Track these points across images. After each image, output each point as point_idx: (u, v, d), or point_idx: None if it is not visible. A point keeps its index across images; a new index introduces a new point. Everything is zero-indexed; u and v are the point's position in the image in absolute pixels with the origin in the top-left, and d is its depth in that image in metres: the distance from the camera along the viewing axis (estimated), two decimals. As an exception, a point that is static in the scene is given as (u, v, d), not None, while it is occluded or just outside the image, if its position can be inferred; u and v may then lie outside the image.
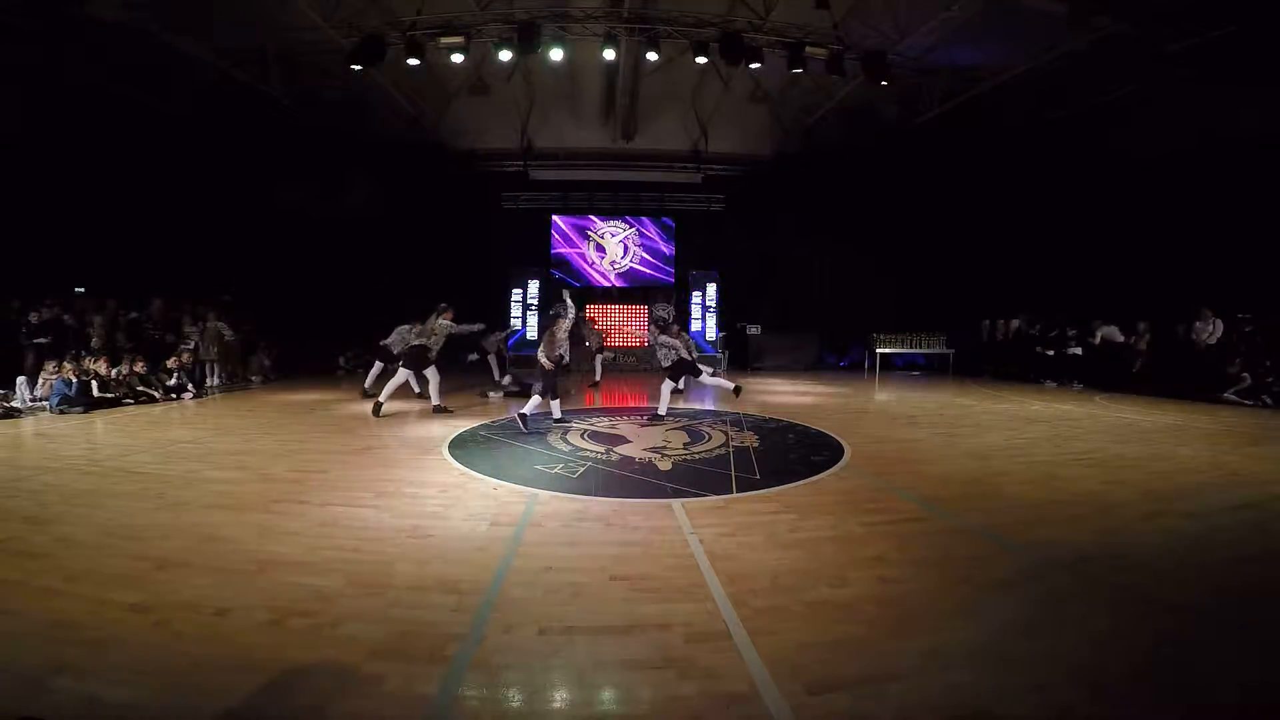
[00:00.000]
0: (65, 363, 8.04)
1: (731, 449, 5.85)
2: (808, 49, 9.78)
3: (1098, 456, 5.57)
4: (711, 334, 15.66)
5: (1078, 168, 12.16)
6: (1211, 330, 9.54)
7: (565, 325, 7.10)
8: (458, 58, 9.70)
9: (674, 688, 2.13)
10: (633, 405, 9.18)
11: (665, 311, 15.61)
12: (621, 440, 6.24)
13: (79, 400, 7.82)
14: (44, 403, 7.91)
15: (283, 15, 9.42)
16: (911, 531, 3.65)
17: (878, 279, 15.31)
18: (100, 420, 7.41)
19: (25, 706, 1.94)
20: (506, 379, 9.40)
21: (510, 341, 14.68)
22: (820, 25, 9.69)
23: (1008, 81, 10.84)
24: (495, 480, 4.75)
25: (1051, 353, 11.52)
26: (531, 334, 15.07)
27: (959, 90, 11.41)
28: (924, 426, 7.26)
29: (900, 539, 3.51)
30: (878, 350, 13.71)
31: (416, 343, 7.93)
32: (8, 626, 2.46)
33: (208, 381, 10.29)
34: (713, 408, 8.50)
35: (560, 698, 2.12)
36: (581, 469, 5.10)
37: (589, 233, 15.82)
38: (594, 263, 15.82)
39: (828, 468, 5.19)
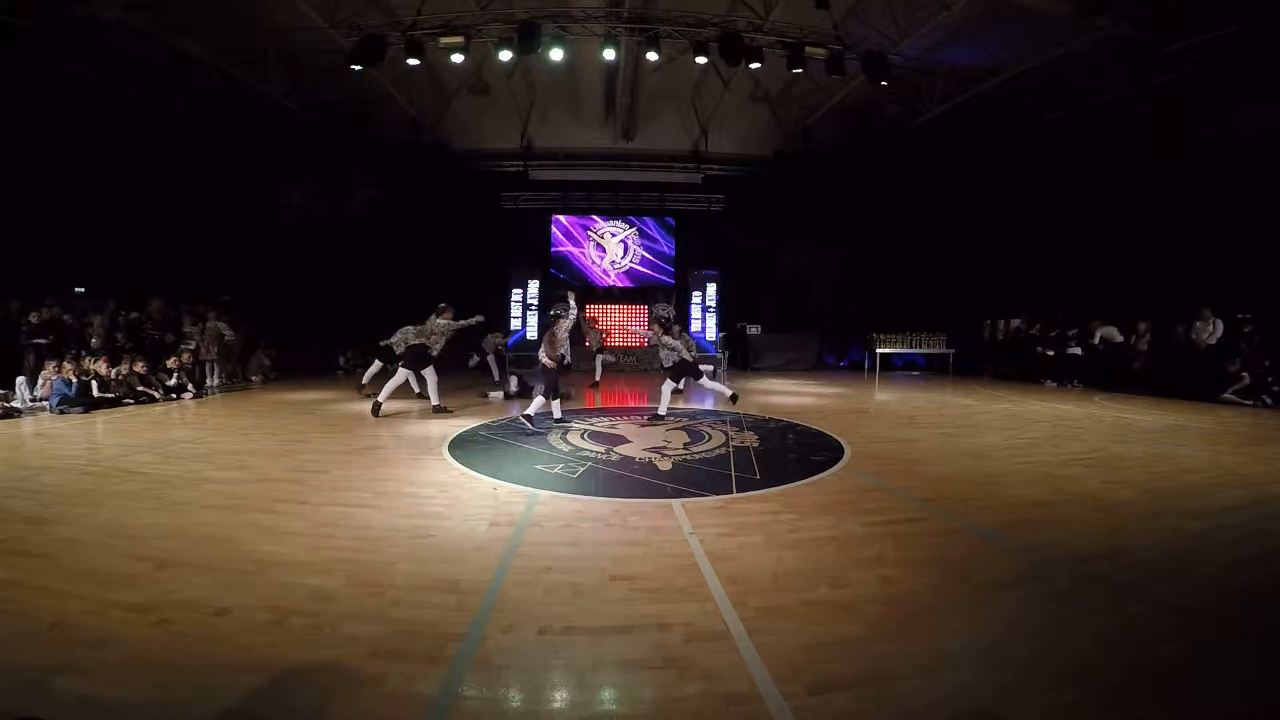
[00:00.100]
0: (65, 363, 8.04)
1: (731, 449, 5.85)
2: (808, 49, 9.78)
3: (1098, 456, 5.57)
4: (711, 334, 15.67)
5: (1077, 168, 12.16)
6: (1211, 330, 9.54)
7: (566, 325, 7.10)
8: (458, 58, 9.70)
9: (674, 688, 2.13)
10: (633, 405, 9.18)
11: (666, 312, 15.67)
12: (621, 440, 6.25)
13: (79, 400, 7.82)
14: (44, 403, 7.91)
15: (283, 15, 9.43)
16: (911, 531, 3.65)
17: (878, 279, 15.31)
18: (100, 420, 7.41)
19: (25, 706, 1.93)
20: (513, 384, 9.35)
21: (510, 341, 14.71)
22: (820, 25, 9.69)
23: (1008, 81, 10.85)
24: (495, 480, 4.75)
25: (1051, 353, 11.52)
26: (531, 334, 15.07)
27: (959, 90, 11.41)
28: (924, 426, 7.26)
29: (900, 539, 3.51)
30: (878, 350, 13.71)
31: (415, 342, 7.94)
32: (8, 626, 2.46)
33: (208, 381, 10.29)
34: (712, 408, 8.50)
35: (560, 698, 2.12)
36: (581, 469, 5.10)
37: (589, 232, 15.82)
38: (594, 262, 15.82)
39: (828, 468, 5.19)
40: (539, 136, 14.93)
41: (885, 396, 10.29)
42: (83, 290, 11.14)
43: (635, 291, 15.99)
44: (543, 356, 7.00)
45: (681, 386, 7.96)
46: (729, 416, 7.65)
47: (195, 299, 11.35)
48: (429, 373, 8.00)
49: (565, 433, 6.59)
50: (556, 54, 9.80)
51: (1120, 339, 10.87)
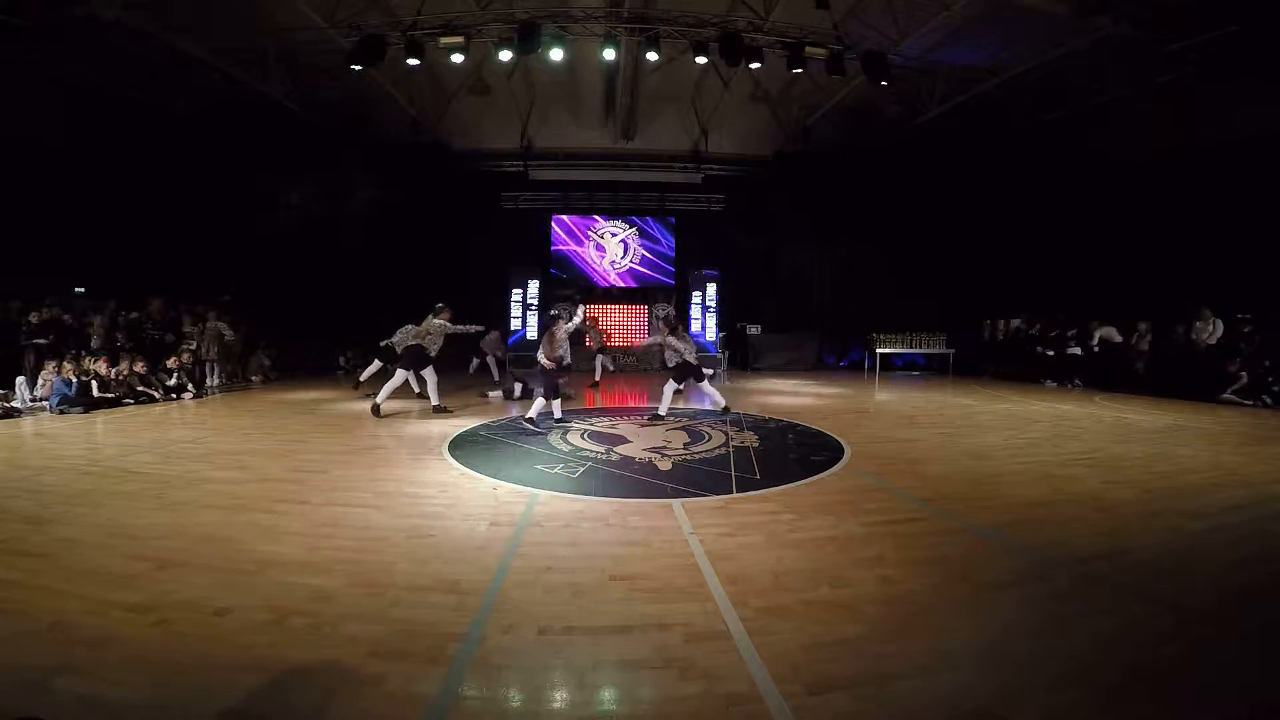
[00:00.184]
0: (65, 363, 8.04)
1: (731, 449, 5.85)
2: (808, 49, 9.78)
3: (1098, 456, 5.57)
4: (711, 334, 15.67)
5: (1077, 168, 12.17)
6: (1211, 330, 9.54)
7: (566, 328, 7.09)
8: (458, 58, 9.70)
9: (674, 688, 2.13)
10: (633, 405, 9.18)
11: (665, 311, 15.68)
12: (621, 440, 6.25)
13: (79, 400, 7.82)
14: (44, 403, 7.91)
15: (283, 15, 9.42)
16: (911, 531, 3.65)
17: (878, 279, 15.31)
18: (100, 420, 7.41)
19: (25, 706, 1.94)
20: (517, 389, 9.32)
21: (510, 341, 14.72)
22: (820, 25, 9.69)
23: (1008, 81, 10.84)
24: (495, 480, 4.76)
25: (1051, 353, 11.52)
26: (531, 334, 15.07)
27: (959, 90, 11.41)
28: (924, 426, 7.26)
29: (900, 539, 3.51)
30: (878, 350, 13.71)
31: (412, 343, 7.92)
32: (8, 626, 2.46)
33: (208, 381, 10.29)
34: (712, 408, 8.50)
35: (560, 698, 2.12)
36: (581, 469, 5.10)
37: (589, 232, 15.82)
38: (594, 262, 15.82)
39: (828, 468, 5.19)
40: (539, 136, 14.93)
41: (885, 396, 10.29)
42: (83, 290, 11.14)
43: (635, 291, 15.99)
44: (541, 358, 7.00)
45: (682, 387, 7.96)
46: (729, 417, 7.65)
47: (195, 299, 11.35)
48: (429, 373, 7.99)
49: (565, 433, 6.59)
50: (556, 54, 9.80)
51: (1119, 339, 10.87)
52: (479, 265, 15.18)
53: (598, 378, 11.60)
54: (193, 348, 10.19)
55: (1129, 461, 5.39)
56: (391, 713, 2.00)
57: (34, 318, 8.93)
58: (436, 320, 7.89)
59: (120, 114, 10.95)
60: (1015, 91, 11.23)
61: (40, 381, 8.13)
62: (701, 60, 10.13)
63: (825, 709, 2.01)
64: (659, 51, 10.12)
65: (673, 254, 15.95)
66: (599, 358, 11.75)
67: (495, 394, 9.50)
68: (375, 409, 7.53)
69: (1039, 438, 6.49)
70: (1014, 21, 9.23)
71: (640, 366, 14.76)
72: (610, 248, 15.84)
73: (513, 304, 15.51)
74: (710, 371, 8.36)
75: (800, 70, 10.09)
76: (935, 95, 11.72)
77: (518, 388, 9.36)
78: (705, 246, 15.93)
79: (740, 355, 15.22)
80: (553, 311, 8.20)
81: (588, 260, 15.82)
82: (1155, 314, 10.52)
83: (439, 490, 4.49)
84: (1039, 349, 11.81)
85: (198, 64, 10.07)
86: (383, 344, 9.14)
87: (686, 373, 7.50)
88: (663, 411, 7.47)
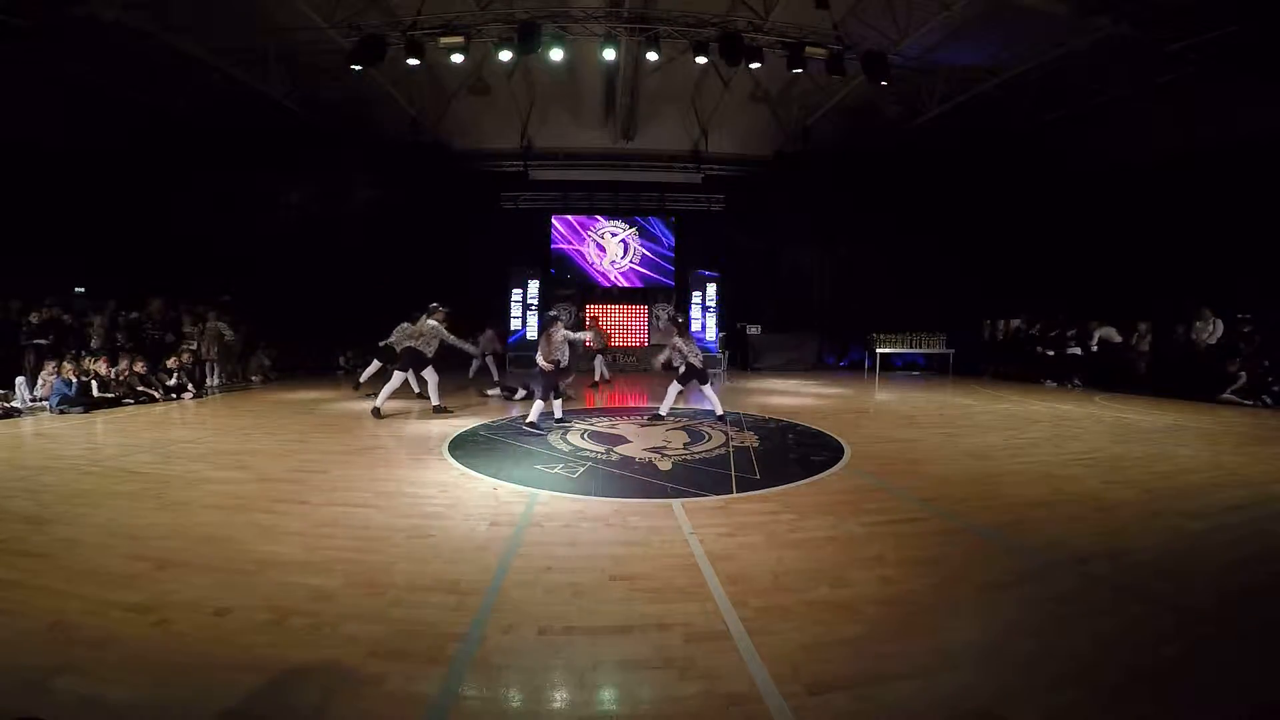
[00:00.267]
0: (65, 363, 8.04)
1: (731, 449, 5.85)
2: (808, 49, 9.78)
3: (1098, 456, 5.57)
4: (711, 334, 15.67)
5: (1078, 168, 12.16)
6: (1211, 330, 9.54)
7: (563, 333, 7.04)
8: (458, 58, 9.70)
9: (674, 688, 2.13)
10: (633, 405, 9.18)
11: (668, 312, 15.67)
12: (621, 440, 6.25)
13: (79, 400, 7.82)
14: (44, 403, 7.91)
15: (283, 15, 9.43)
16: (911, 531, 3.65)
17: (878, 279, 15.32)
18: (100, 420, 7.41)
19: (25, 706, 1.94)
20: (520, 393, 9.29)
21: (510, 340, 14.72)
22: (820, 25, 9.69)
23: (1008, 81, 10.85)
24: (495, 480, 4.76)
25: (1051, 353, 11.52)
26: (531, 334, 15.07)
27: (959, 90, 11.41)
28: (924, 426, 7.26)
29: (900, 539, 3.51)
30: (878, 350, 13.72)
31: (408, 344, 7.88)
32: (8, 626, 2.46)
33: (208, 381, 10.29)
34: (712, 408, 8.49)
35: (560, 698, 2.12)
36: (581, 469, 5.10)
37: (589, 232, 15.82)
38: (594, 262, 15.82)
39: (828, 468, 5.19)
40: (539, 136, 14.92)
41: (885, 396, 10.29)
42: (83, 290, 11.14)
43: (635, 291, 15.99)
44: (540, 359, 7.00)
45: (684, 388, 7.95)
46: (729, 417, 7.65)
47: (195, 299, 11.35)
48: (429, 373, 7.98)
49: (565, 433, 6.59)
50: (556, 54, 9.80)
51: (1119, 340, 10.88)
52: (479, 265, 15.18)
53: (597, 378, 11.60)
54: (193, 348, 10.19)
55: (1129, 461, 5.39)
56: (391, 713, 2.00)
57: (34, 318, 8.92)
58: (430, 321, 7.83)
59: (120, 114, 10.95)
60: (1015, 91, 11.23)
61: (40, 381, 8.13)
62: (701, 60, 10.13)
63: (825, 709, 2.01)
64: (659, 51, 10.13)
65: (673, 254, 15.95)
66: (599, 358, 11.75)
67: (494, 392, 9.49)
68: (375, 411, 7.53)
69: (1039, 438, 6.49)
70: (1014, 21, 9.23)
71: (640, 366, 14.76)
72: (610, 247, 15.84)
73: (513, 304, 15.50)
74: (713, 371, 8.35)
75: (800, 70, 10.09)
76: (935, 95, 11.72)
77: (520, 393, 9.31)
78: (705, 246, 15.92)
79: (740, 355, 15.22)
80: (551, 313, 8.18)
81: (588, 260, 15.82)
82: (1155, 314, 10.52)
83: (439, 490, 4.49)
84: (1039, 349, 11.82)
85: (198, 64, 10.07)
86: (381, 344, 9.14)
87: (691, 374, 7.50)
88: (663, 412, 7.47)
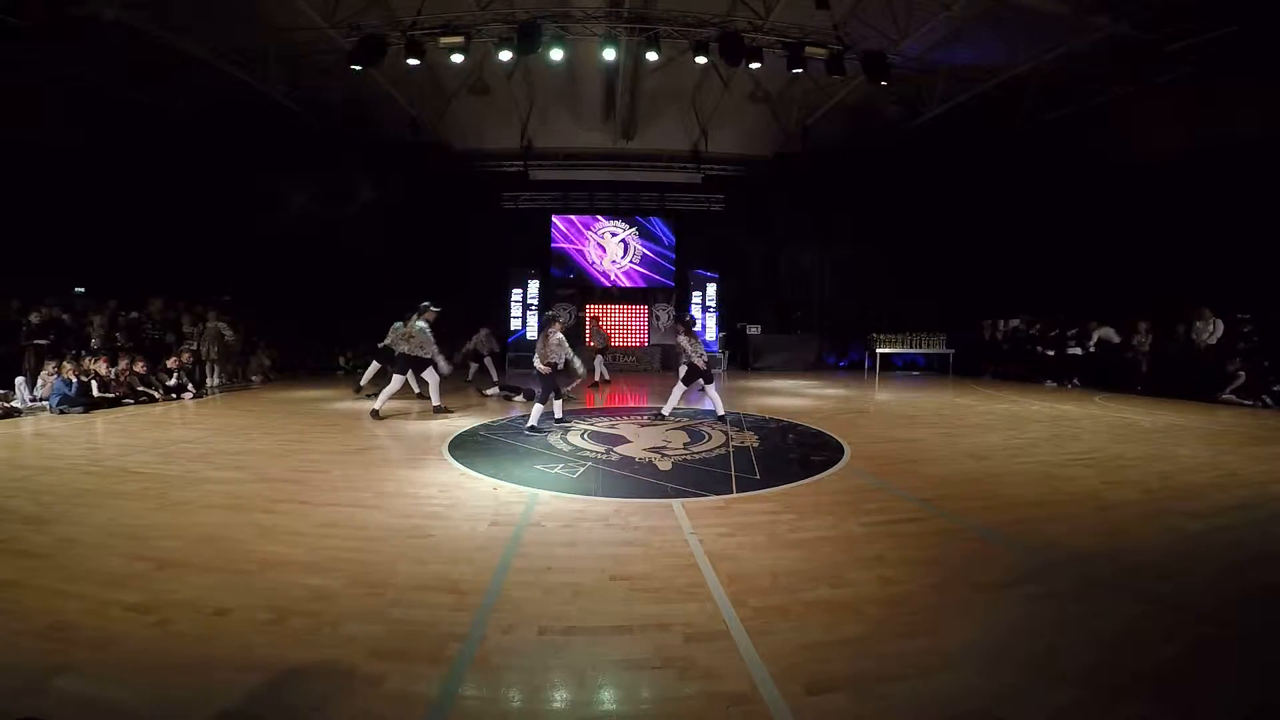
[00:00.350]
0: (65, 363, 8.04)
1: (731, 449, 5.85)
2: (808, 49, 9.78)
3: (1098, 456, 5.57)
4: (712, 334, 15.68)
5: (1078, 168, 12.16)
6: (1211, 330, 9.53)
7: (558, 337, 6.99)
8: (458, 58, 9.70)
9: (674, 688, 2.13)
10: (633, 405, 9.18)
11: (665, 312, 15.67)
12: (621, 440, 6.24)
13: (79, 400, 7.82)
14: (44, 403, 7.91)
15: (283, 15, 9.43)
16: (911, 531, 3.65)
17: (878, 279, 15.33)
18: (100, 420, 7.41)
19: (25, 706, 1.94)
20: (518, 396, 9.27)
21: (510, 340, 14.72)
22: (820, 25, 9.69)
23: (1008, 81, 10.85)
24: (495, 480, 4.75)
25: (1051, 353, 11.52)
26: (531, 334, 15.08)
27: (959, 90, 11.41)
28: (924, 426, 7.26)
29: (900, 539, 3.51)
30: (878, 350, 13.72)
31: (402, 348, 7.84)
32: (8, 626, 2.46)
33: (208, 381, 10.29)
34: (712, 408, 8.49)
35: (560, 698, 2.12)
36: (581, 469, 5.10)
37: (589, 232, 15.83)
38: (594, 262, 15.82)
39: (828, 468, 5.19)
40: (539, 136, 14.92)
41: (885, 396, 10.29)
42: (83, 290, 11.14)
43: (635, 291, 15.99)
44: (537, 361, 6.99)
45: (688, 388, 7.94)
46: (729, 417, 7.65)
47: (195, 299, 11.35)
48: (429, 374, 7.97)
49: (565, 433, 6.59)
50: (556, 54, 9.80)
51: (1118, 340, 10.88)
52: (479, 265, 15.19)
53: (597, 377, 11.60)
54: (193, 348, 10.20)
55: (1129, 461, 5.39)
56: (391, 713, 2.00)
57: (34, 318, 8.93)
58: (419, 322, 7.77)
59: (120, 114, 10.96)
60: (1015, 91, 11.23)
61: (40, 381, 8.13)
62: (701, 60, 10.14)
63: (825, 709, 2.01)
64: (659, 51, 10.13)
65: (673, 254, 15.96)
66: (599, 358, 11.75)
67: (492, 392, 9.48)
68: (374, 413, 7.52)
69: (1039, 438, 6.49)
70: (1014, 21, 9.24)
71: (640, 366, 14.77)
72: (610, 247, 15.84)
73: (513, 304, 15.52)
74: (715, 371, 8.33)
75: (800, 70, 10.10)
76: (935, 95, 11.72)
77: (519, 397, 9.26)
78: (705, 246, 15.94)
79: (740, 355, 15.23)
80: (549, 313, 8.15)
81: (588, 260, 15.83)
82: (1155, 314, 10.52)
83: (439, 490, 4.49)
84: (1039, 349, 11.82)
85: (198, 64, 10.07)
86: (380, 345, 9.14)
87: (694, 374, 7.50)
88: (666, 411, 7.47)
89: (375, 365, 9.47)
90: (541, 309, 15.13)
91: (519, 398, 9.14)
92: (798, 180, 14.93)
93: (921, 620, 2.59)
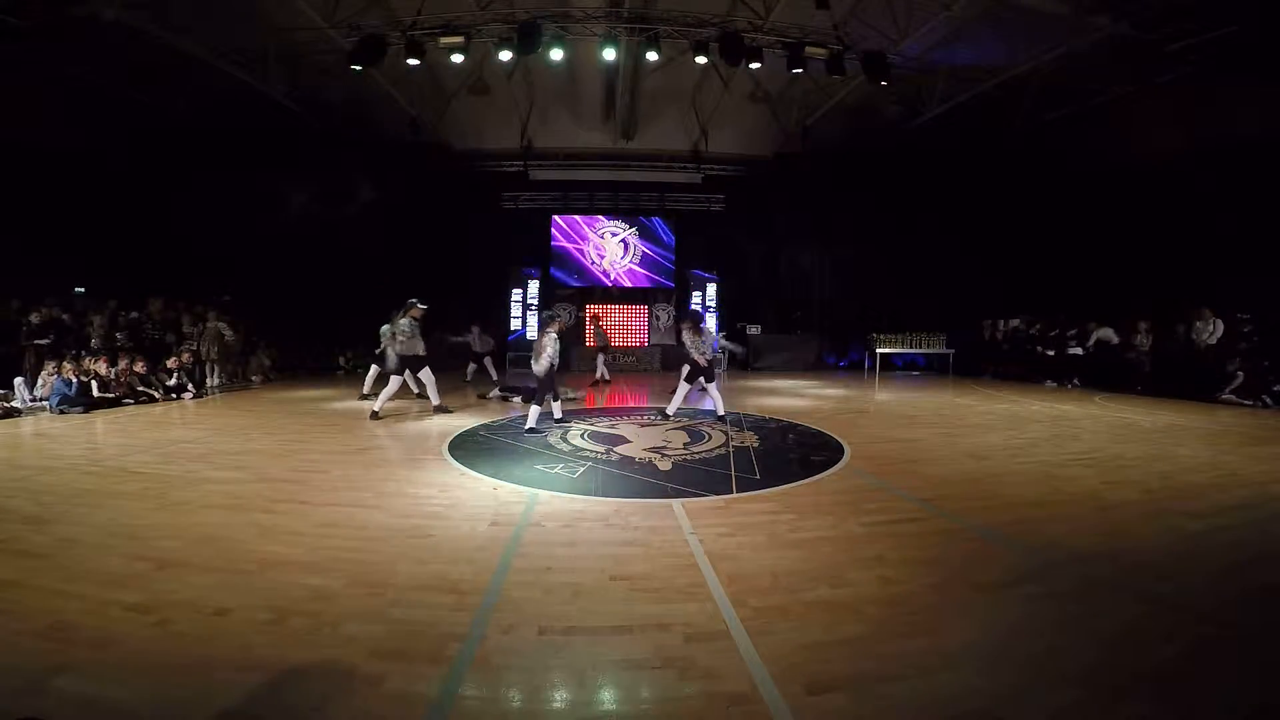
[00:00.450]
0: (65, 363, 8.04)
1: (731, 449, 5.85)
2: (808, 49, 9.78)
3: (1098, 456, 5.57)
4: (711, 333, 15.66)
5: (1078, 168, 12.16)
6: (1212, 330, 9.53)
7: (554, 338, 6.95)
8: (458, 58, 9.70)
9: (674, 688, 2.13)
10: (633, 405, 9.18)
11: (665, 312, 15.66)
12: (621, 440, 6.24)
13: (79, 400, 7.82)
14: (44, 403, 7.91)
15: (283, 15, 9.43)
16: (911, 531, 3.65)
17: (878, 279, 15.32)
18: (100, 420, 7.41)
19: (25, 706, 1.94)
20: (517, 398, 9.25)
21: (510, 339, 14.72)
22: (820, 25, 9.69)
23: (1008, 81, 10.84)
24: (495, 480, 4.75)
25: (1052, 353, 11.52)
26: (531, 334, 15.08)
27: (959, 90, 11.41)
28: (924, 426, 7.26)
29: (900, 539, 3.51)
30: (878, 350, 13.72)
31: (395, 349, 7.81)
32: (8, 626, 2.46)
33: (208, 381, 10.29)
34: (712, 408, 8.49)
35: (560, 698, 2.12)
36: (581, 469, 5.10)
37: (589, 232, 15.83)
38: (594, 262, 15.82)
39: (828, 468, 5.19)
40: (539, 136, 14.92)
41: (885, 396, 10.29)
42: (83, 290, 11.14)
43: (635, 291, 16.00)
44: (533, 364, 6.99)
45: (690, 386, 7.94)
46: (729, 417, 7.65)
47: (195, 299, 11.35)
48: (426, 374, 7.96)
49: (565, 433, 6.59)
50: (556, 54, 9.80)
51: (1117, 341, 10.88)
52: (479, 265, 15.18)
53: (598, 376, 11.62)
54: (193, 348, 10.20)
55: (1129, 461, 5.39)
56: (391, 713, 2.00)
57: (34, 318, 8.93)
58: (403, 319, 7.73)
59: (120, 114, 10.95)
60: (1015, 91, 11.23)
61: (40, 381, 8.13)
62: (701, 60, 10.14)
63: (825, 709, 2.01)
64: (659, 51, 10.13)
65: (673, 254, 15.96)
66: (599, 357, 11.76)
67: (495, 393, 9.48)
68: (374, 415, 7.51)
69: (1039, 438, 6.49)
70: (1014, 21, 9.24)
71: (640, 366, 14.77)
72: (610, 247, 15.84)
73: (513, 304, 15.51)
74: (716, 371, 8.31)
75: (800, 70, 10.10)
76: (935, 95, 11.72)
77: (518, 399, 9.24)
78: (705, 246, 15.93)
79: (741, 355, 15.20)
80: (547, 312, 8.16)
81: (588, 260, 15.83)
82: (1155, 314, 10.52)
83: (439, 490, 4.49)
84: (1039, 349, 11.82)
85: (198, 64, 10.06)
86: (377, 352, 9.13)
87: (695, 373, 7.49)
88: (670, 411, 7.46)
89: (375, 368, 9.46)
90: (541, 309, 15.14)
91: (517, 399, 9.14)
92: (798, 180, 14.92)
93: (921, 620, 2.59)
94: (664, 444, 6.04)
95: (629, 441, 6.16)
